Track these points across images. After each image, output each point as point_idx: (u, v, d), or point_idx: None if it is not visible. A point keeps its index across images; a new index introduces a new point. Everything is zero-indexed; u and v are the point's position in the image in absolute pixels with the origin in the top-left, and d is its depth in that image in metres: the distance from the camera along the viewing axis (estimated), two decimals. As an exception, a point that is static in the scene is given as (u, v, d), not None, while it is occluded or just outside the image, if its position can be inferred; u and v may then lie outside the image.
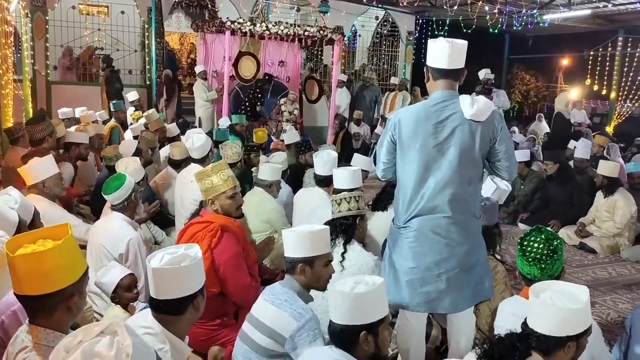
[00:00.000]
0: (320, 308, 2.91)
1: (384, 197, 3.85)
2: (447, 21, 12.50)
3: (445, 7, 11.14)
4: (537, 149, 9.73)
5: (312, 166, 5.81)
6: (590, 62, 14.80)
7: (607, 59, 14.42)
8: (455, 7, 11.02)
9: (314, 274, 2.42)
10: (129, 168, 4.07)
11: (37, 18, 9.87)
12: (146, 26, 11.07)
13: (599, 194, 5.88)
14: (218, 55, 10.18)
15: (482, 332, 3.12)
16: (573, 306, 1.86)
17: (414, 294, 2.58)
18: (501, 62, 17.14)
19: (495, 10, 11.30)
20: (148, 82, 11.11)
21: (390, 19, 14.08)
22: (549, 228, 2.60)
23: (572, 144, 8.03)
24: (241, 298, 2.95)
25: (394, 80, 11.86)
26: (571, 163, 7.07)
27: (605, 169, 5.76)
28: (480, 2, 10.75)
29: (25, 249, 1.62)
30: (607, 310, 4.20)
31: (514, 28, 12.87)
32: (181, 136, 6.28)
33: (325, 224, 2.85)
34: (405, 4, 11.30)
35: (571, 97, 11.75)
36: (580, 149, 6.98)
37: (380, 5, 13.30)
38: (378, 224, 3.68)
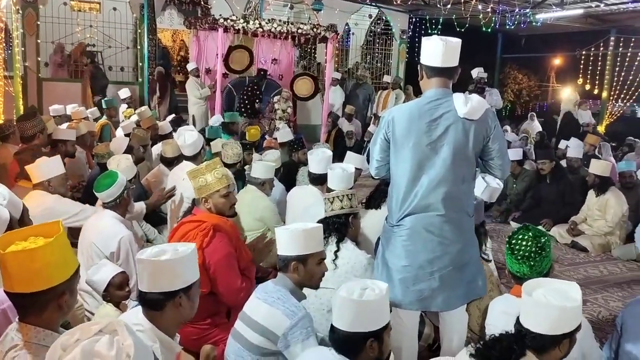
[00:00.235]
0: (313, 306, 2.91)
1: (377, 195, 3.85)
2: (441, 20, 12.51)
3: (438, 5, 11.15)
4: (530, 147, 9.76)
5: (305, 164, 5.82)
6: (582, 62, 14.88)
7: (599, 58, 14.50)
8: (449, 6, 11.04)
9: (307, 272, 2.41)
10: (121, 165, 4.04)
11: (28, 14, 9.77)
12: (138, 23, 11.00)
13: (591, 193, 5.91)
14: (211, 53, 10.14)
15: (474, 332, 3.13)
16: (569, 304, 1.87)
17: (407, 292, 2.58)
18: (494, 61, 17.18)
19: (489, 9, 11.33)
20: (140, 79, 11.04)
21: (383, 17, 14.07)
22: (539, 227, 2.61)
23: (563, 143, 8.06)
24: (231, 300, 2.93)
25: (386, 78, 11.87)
26: (563, 162, 7.10)
27: (597, 168, 5.79)
28: (474, 1, 10.77)
29: (16, 246, 1.60)
30: (599, 308, 4.22)
31: (507, 27, 12.90)
32: (173, 133, 6.26)
33: (318, 222, 2.85)
34: (398, 2, 11.30)
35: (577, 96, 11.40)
36: (573, 148, 7.01)
37: (373, 4, 13.29)
38: (371, 222, 3.68)
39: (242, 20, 9.15)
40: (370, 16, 13.85)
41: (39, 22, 9.95)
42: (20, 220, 2.67)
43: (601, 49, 14.32)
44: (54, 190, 3.69)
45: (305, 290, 2.50)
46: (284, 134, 6.75)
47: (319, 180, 4.19)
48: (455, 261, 2.57)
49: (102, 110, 8.14)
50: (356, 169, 4.25)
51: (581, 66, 14.88)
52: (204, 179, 2.99)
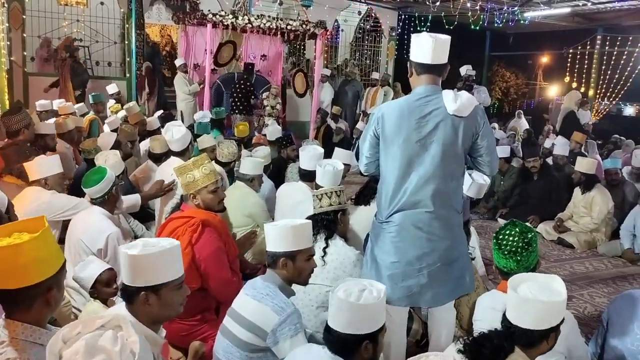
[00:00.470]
0: (302, 302, 2.91)
1: (367, 192, 3.85)
2: (430, 17, 12.55)
3: (427, 3, 11.19)
4: (517, 145, 9.83)
5: (294, 161, 5.82)
6: (569, 60, 15.01)
7: (586, 57, 14.64)
8: (438, 3, 11.08)
9: (295, 268, 2.42)
10: (109, 161, 4.01)
11: (13, 8, 9.65)
12: (126, 18, 10.90)
13: (577, 190, 5.97)
14: (199, 49, 10.08)
15: (464, 329, 3.15)
16: (557, 298, 1.90)
17: (396, 288, 2.59)
18: (482, 58, 17.28)
19: (477, 7, 11.38)
20: (128, 75, 10.95)
21: (373, 14, 14.08)
22: (527, 223, 2.63)
23: (548, 142, 8.11)
24: (222, 294, 2.93)
25: (375, 75, 11.87)
26: (549, 160, 7.16)
27: (583, 165, 5.85)
28: (462, -2, 10.83)
29: (0, 242, 1.58)
30: (584, 304, 4.27)
31: (495, 25, 12.97)
32: (161, 129, 6.22)
33: (307, 219, 2.85)
34: (388, -1, 11.32)
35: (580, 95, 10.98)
36: (560, 146, 7.07)
37: (363, 1, 13.29)
38: (360, 218, 3.69)
39: (231, 16, 9.10)
40: (359, 13, 13.85)
41: (24, 16, 9.84)
42: (7, 214, 2.64)
43: (588, 47, 14.46)
44: (50, 188, 3.68)
45: (294, 287, 2.50)
46: (273, 130, 6.74)
47: (309, 176, 4.19)
48: (443, 257, 2.59)
49: (90, 105, 8.04)
50: (345, 165, 4.26)
51: (568, 64, 15.02)
52: (192, 175, 2.98)
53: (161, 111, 8.09)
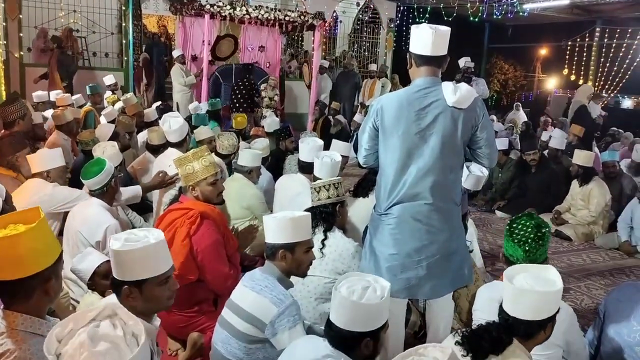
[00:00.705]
0: (300, 294, 2.92)
1: (365, 184, 3.85)
2: (428, 9, 12.52)
3: (426, -6, 11.15)
4: (515, 137, 9.83)
5: (292, 153, 5.81)
6: (567, 52, 14.99)
7: (585, 49, 14.62)
8: (437, -5, 11.05)
9: (294, 260, 2.41)
10: (107, 153, 4.00)
11: (10, -2, 9.61)
12: (123, 8, 10.84)
13: (575, 183, 5.98)
14: (197, 40, 10.03)
15: (463, 322, 3.16)
16: (553, 288, 1.91)
17: (394, 280, 2.59)
18: (481, 51, 17.25)
19: (476, -1, 11.36)
20: (125, 66, 10.90)
21: (371, 6, 14.04)
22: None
23: (545, 135, 8.11)
24: (219, 287, 2.93)
25: (372, 67, 11.83)
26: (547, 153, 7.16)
27: (581, 158, 5.85)
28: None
29: None
30: (581, 296, 4.28)
31: (494, 17, 12.94)
32: (159, 121, 6.20)
33: (305, 211, 2.84)
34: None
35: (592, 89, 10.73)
36: (556, 138, 7.08)
37: (361, -8, 13.27)
38: (359, 210, 3.69)
39: (228, 7, 9.05)
40: (358, 4, 13.80)
41: (21, 6, 9.77)
42: (5, 204, 2.64)
43: (586, 39, 14.44)
44: (52, 180, 3.68)
45: (293, 278, 2.50)
46: (271, 122, 6.73)
47: (308, 168, 4.19)
48: (442, 250, 2.59)
49: (88, 96, 8.00)
50: (343, 156, 4.26)
51: (566, 57, 15.01)
52: (191, 167, 2.97)
53: (159, 102, 8.06)
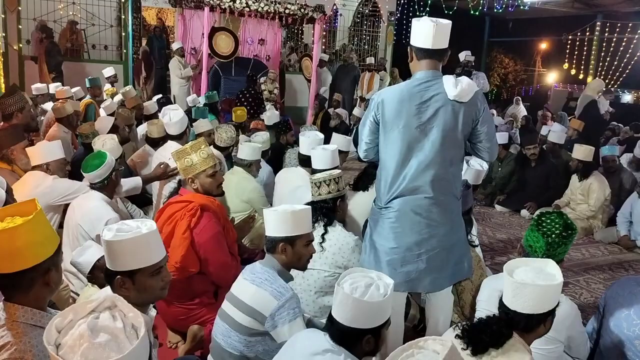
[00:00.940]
0: (300, 287, 2.93)
1: (365, 178, 3.85)
2: (429, 2, 12.47)
3: (427, -13, 11.10)
4: (515, 131, 9.82)
5: (292, 146, 5.81)
6: (568, 47, 14.96)
7: (585, 43, 14.59)
8: (437, -12, 11.00)
9: (295, 253, 2.41)
10: (106, 146, 4.00)
11: (9, -10, 9.56)
12: (122, 1, 10.80)
13: (574, 177, 5.98)
14: (196, 32, 10.00)
15: (466, 316, 3.17)
16: (554, 282, 1.91)
17: (395, 274, 2.59)
18: (481, 44, 17.21)
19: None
20: (124, 59, 10.87)
21: (371, -1, 13.99)
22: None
23: (545, 129, 8.09)
24: (221, 278, 2.93)
25: (370, 60, 11.78)
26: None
27: (580, 152, 5.85)
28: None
29: None
30: (580, 290, 4.29)
31: (495, 10, 12.90)
32: (159, 114, 6.19)
33: (306, 205, 2.84)
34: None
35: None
36: (555, 132, 7.07)
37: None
38: (359, 203, 3.69)
39: (228, 0, 9.02)
40: (358, -3, 13.76)
41: (20, -1, 9.74)
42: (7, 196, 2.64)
43: (587, 33, 14.41)
44: (52, 173, 3.68)
45: (293, 272, 2.50)
46: (271, 115, 6.72)
47: (308, 161, 4.18)
48: (442, 243, 2.59)
49: (87, 89, 7.98)
50: (342, 152, 4.26)
51: (567, 51, 14.98)
52: (190, 159, 2.97)
53: (160, 95, 8.04)
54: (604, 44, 14.26)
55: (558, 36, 15.76)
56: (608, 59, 14.10)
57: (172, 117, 4.56)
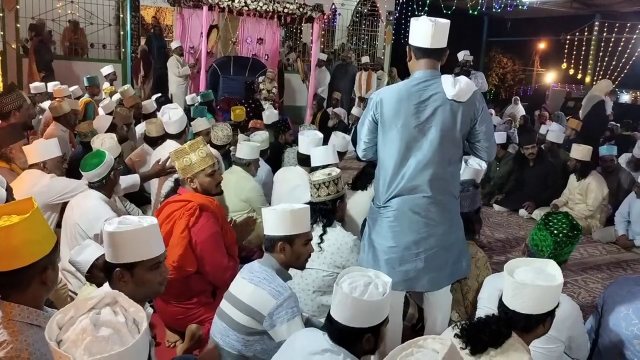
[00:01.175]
0: (298, 286, 2.93)
1: (364, 177, 3.85)
2: (427, 1, 12.47)
3: (425, -13, 11.10)
4: (513, 131, 9.83)
5: (291, 145, 5.81)
6: (566, 46, 14.98)
7: (583, 43, 14.61)
8: (436, -12, 11.01)
9: (293, 252, 2.41)
10: (105, 145, 3.99)
11: (6, -11, 9.54)
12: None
13: (572, 177, 5.98)
14: (195, 31, 10.00)
15: (467, 314, 3.17)
16: (554, 283, 1.91)
17: (393, 273, 2.59)
18: (480, 44, 17.21)
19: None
20: (123, 58, 10.86)
21: (370, -2, 13.98)
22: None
23: (543, 128, 8.09)
24: (218, 279, 2.93)
25: (365, 59, 11.76)
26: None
27: (578, 152, 5.85)
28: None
29: None
30: (579, 289, 4.30)
31: (494, 10, 12.91)
32: (157, 113, 6.19)
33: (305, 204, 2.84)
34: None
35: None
36: (553, 132, 7.07)
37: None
38: (358, 203, 3.69)
39: (227, -1, 9.02)
40: (356, -4, 13.75)
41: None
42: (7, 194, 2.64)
43: (585, 33, 14.43)
44: (49, 171, 3.68)
45: (291, 271, 2.50)
46: (269, 115, 6.71)
47: (307, 161, 4.18)
48: (440, 242, 2.59)
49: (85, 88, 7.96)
50: (340, 152, 4.28)
51: (565, 51, 15.00)
52: (189, 159, 2.96)
53: (159, 94, 8.03)
54: (602, 44, 14.27)
55: (556, 36, 15.78)
56: (606, 59, 14.12)
57: (172, 116, 4.56)
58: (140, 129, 5.97)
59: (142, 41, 11.16)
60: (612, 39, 13.96)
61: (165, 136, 4.77)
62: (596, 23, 14.19)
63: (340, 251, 2.99)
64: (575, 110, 14.07)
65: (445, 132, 2.51)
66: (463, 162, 3.79)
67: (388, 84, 9.91)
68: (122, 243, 1.81)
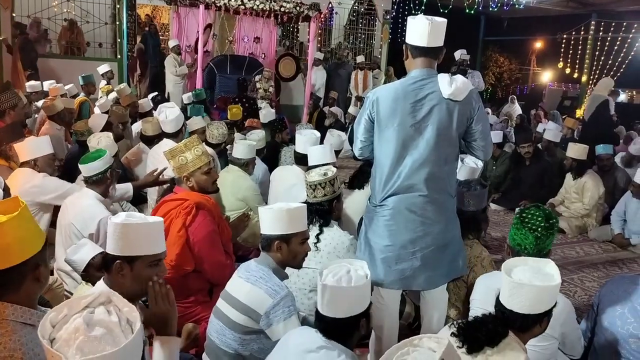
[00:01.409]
0: (295, 285, 2.92)
1: (360, 176, 3.85)
2: (424, 0, 12.46)
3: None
4: (510, 130, 9.85)
5: (287, 144, 5.80)
6: (563, 46, 15.00)
7: (580, 42, 14.64)
8: (433, -13, 11.00)
9: (290, 251, 2.41)
10: (101, 143, 3.99)
11: (2, -13, 9.48)
12: (117, -2, 10.75)
13: (568, 176, 6.00)
14: (191, 30, 9.98)
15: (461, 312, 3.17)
16: (552, 283, 1.91)
17: (389, 272, 2.60)
18: (476, 43, 17.22)
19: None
20: (119, 56, 10.82)
21: (367, -3, 13.97)
22: (518, 208, 2.65)
23: (541, 127, 8.11)
24: (216, 276, 2.93)
25: (360, 58, 11.75)
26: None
27: (574, 151, 5.86)
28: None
29: None
30: (575, 288, 4.31)
31: (490, 9, 12.92)
32: (153, 111, 6.17)
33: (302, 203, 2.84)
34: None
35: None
36: (550, 131, 7.08)
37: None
38: (354, 202, 3.69)
39: (223, -3, 9.00)
40: (353, -5, 13.73)
41: (13, -5, 9.65)
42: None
43: (582, 32, 14.45)
44: (40, 169, 3.66)
45: (288, 270, 2.50)
46: (266, 113, 6.71)
47: (304, 159, 4.18)
48: (437, 241, 2.59)
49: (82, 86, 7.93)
50: (335, 151, 4.29)
51: (562, 50, 15.02)
52: (184, 158, 2.96)
53: (155, 93, 8.02)
54: (599, 43, 14.30)
55: (553, 35, 15.80)
56: (602, 58, 14.14)
57: (168, 115, 4.55)
58: (136, 127, 5.96)
59: (138, 40, 11.14)
60: (609, 38, 13.99)
61: (162, 135, 4.76)
62: (592, 22, 14.21)
63: (336, 250, 2.99)
64: (572, 109, 14.15)
65: (442, 131, 2.51)
66: (459, 160, 3.80)
67: (385, 83, 9.90)
68: (127, 235, 1.85)
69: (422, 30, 2.47)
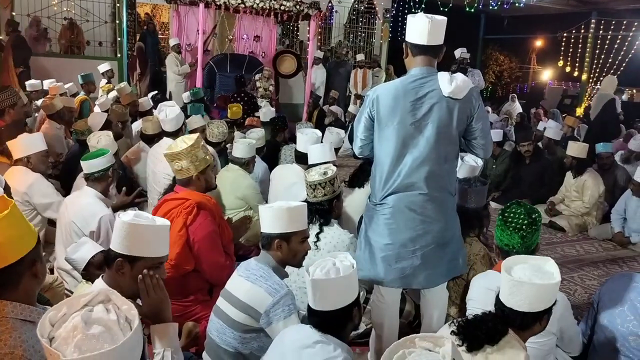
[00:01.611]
0: (295, 284, 2.93)
1: (360, 175, 3.85)
2: (424, -1, 12.46)
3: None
4: (510, 129, 9.84)
5: (287, 143, 5.80)
6: (563, 44, 14.99)
7: (580, 40, 14.62)
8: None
9: (290, 250, 2.41)
10: (101, 142, 3.98)
11: (1, -14, 9.48)
12: (117, -4, 10.74)
13: (569, 174, 6.00)
14: (191, 29, 9.97)
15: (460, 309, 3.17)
16: (552, 281, 1.91)
17: (389, 270, 2.60)
18: (476, 42, 17.20)
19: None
20: (119, 55, 10.81)
21: (367, -4, 13.95)
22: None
23: (541, 125, 8.10)
24: (215, 277, 2.93)
25: (360, 57, 11.73)
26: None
27: (575, 150, 5.86)
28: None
29: None
30: (575, 286, 4.31)
31: (490, 7, 12.90)
32: (153, 110, 6.17)
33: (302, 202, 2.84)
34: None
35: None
36: (551, 129, 7.08)
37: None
38: (354, 200, 3.69)
39: (223, -4, 8.98)
40: (353, -7, 13.71)
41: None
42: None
43: (582, 31, 14.43)
44: (34, 167, 3.65)
45: (288, 269, 2.50)
46: (266, 112, 6.71)
47: (304, 158, 4.18)
48: (437, 239, 2.59)
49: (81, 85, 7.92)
50: (334, 149, 4.29)
51: (562, 48, 15.00)
52: (180, 165, 2.94)
53: (155, 92, 8.01)
54: (599, 42, 14.29)
55: (553, 33, 15.78)
56: (603, 56, 14.13)
57: (168, 114, 4.55)
58: (136, 126, 5.96)
59: (138, 38, 11.13)
60: (609, 37, 13.97)
61: (162, 134, 4.76)
62: (593, 20, 14.19)
63: (336, 249, 2.99)
64: (572, 107, 14.13)
65: (442, 130, 2.51)
66: (459, 158, 3.80)
67: (385, 81, 9.89)
68: (133, 235, 1.87)
69: (422, 28, 2.47)
